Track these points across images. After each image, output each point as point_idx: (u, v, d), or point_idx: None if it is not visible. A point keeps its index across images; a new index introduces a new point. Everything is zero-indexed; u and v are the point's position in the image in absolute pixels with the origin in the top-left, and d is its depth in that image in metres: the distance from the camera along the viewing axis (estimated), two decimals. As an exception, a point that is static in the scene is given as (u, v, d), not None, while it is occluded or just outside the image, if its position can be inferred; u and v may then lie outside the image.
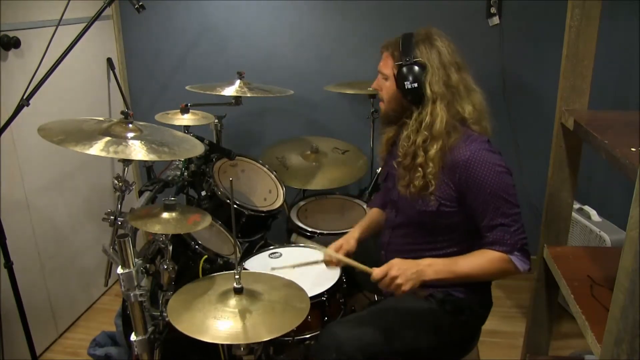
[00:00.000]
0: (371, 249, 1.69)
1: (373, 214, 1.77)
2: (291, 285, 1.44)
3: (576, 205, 2.36)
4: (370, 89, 2.35)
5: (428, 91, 1.38)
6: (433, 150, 1.37)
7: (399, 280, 1.33)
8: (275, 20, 2.69)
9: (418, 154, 1.39)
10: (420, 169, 1.39)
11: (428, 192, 1.39)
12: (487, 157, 1.34)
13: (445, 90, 1.39)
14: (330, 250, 1.56)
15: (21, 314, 1.85)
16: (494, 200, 1.34)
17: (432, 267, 1.37)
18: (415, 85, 1.39)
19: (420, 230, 1.49)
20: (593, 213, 2.30)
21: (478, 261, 1.37)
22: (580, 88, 1.41)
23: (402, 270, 1.34)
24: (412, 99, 1.41)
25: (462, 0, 2.49)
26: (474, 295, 1.48)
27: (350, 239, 1.62)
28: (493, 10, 2.47)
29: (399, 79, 1.41)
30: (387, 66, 1.46)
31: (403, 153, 1.45)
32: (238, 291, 1.30)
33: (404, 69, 1.40)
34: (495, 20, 2.48)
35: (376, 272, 1.37)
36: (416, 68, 1.39)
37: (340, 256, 1.52)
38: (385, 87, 1.48)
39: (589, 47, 1.36)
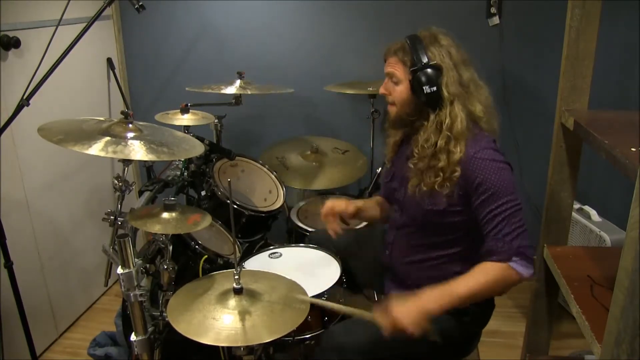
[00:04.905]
0: (377, 248, 1.69)
1: (376, 197, 1.77)
2: (291, 286, 1.44)
3: (576, 205, 2.36)
4: (370, 88, 2.38)
5: (445, 93, 1.37)
6: (457, 154, 1.35)
7: (410, 330, 1.23)
8: (275, 20, 2.69)
9: (440, 158, 1.37)
10: (441, 173, 1.37)
11: (438, 192, 1.38)
12: (490, 154, 1.34)
13: (460, 90, 1.39)
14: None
15: (21, 314, 1.84)
16: (493, 196, 1.32)
17: (431, 297, 1.28)
18: (434, 88, 1.37)
19: (424, 229, 1.49)
20: (593, 213, 2.30)
21: (476, 277, 1.30)
22: (580, 88, 1.42)
23: (405, 316, 1.24)
24: (429, 102, 1.39)
25: (462, 0, 2.49)
26: None
27: (350, 206, 1.64)
28: (493, 10, 2.47)
29: (416, 84, 1.39)
30: (399, 71, 1.43)
31: (420, 155, 1.42)
32: (237, 292, 1.30)
33: (420, 74, 1.37)
34: (495, 20, 2.48)
35: (385, 329, 1.26)
36: (432, 71, 1.37)
37: (344, 307, 1.39)
38: (397, 92, 1.46)
39: (589, 47, 1.37)
